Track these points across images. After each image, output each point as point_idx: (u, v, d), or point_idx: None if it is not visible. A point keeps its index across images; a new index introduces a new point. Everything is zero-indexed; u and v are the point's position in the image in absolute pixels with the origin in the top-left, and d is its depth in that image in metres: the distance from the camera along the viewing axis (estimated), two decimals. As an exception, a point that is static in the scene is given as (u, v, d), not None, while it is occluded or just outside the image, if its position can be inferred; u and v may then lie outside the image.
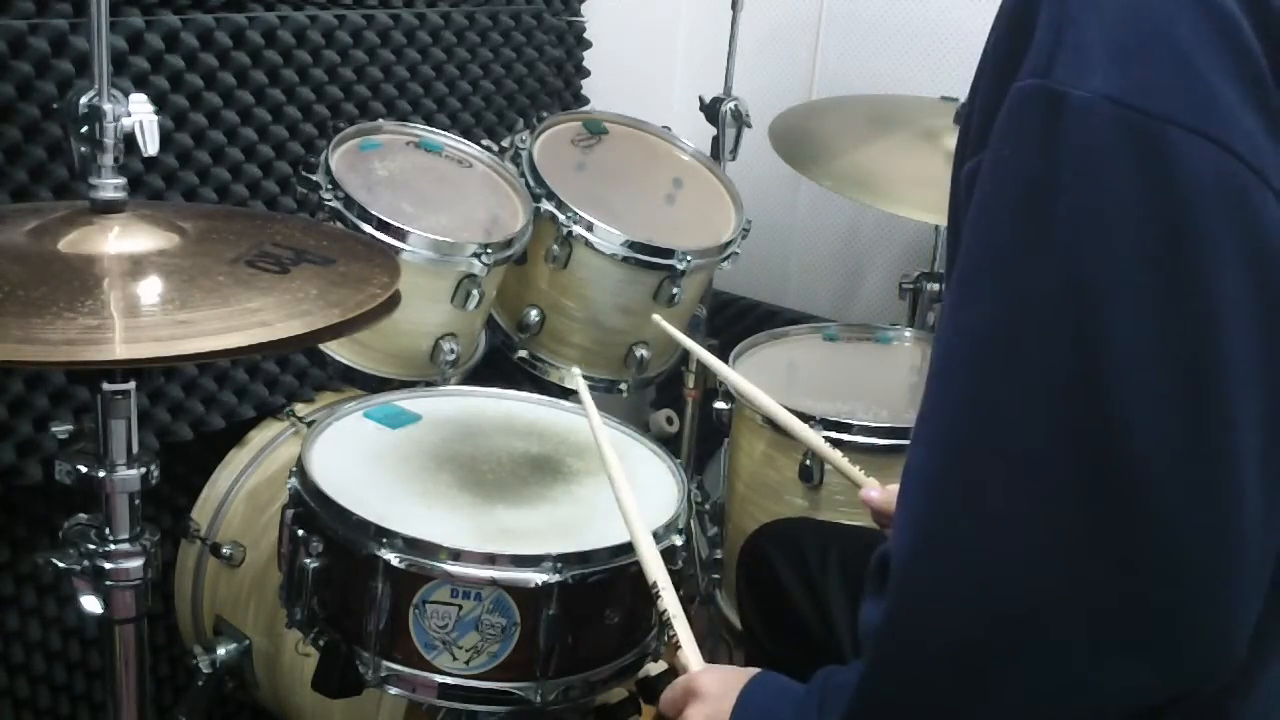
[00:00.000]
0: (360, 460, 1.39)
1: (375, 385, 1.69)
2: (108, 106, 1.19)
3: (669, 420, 2.31)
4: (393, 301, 1.19)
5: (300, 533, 1.28)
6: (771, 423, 1.65)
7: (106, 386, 1.19)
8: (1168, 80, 0.67)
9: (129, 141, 1.21)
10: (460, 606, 1.22)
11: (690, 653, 1.03)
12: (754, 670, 0.96)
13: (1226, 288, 0.67)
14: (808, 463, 1.64)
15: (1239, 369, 0.68)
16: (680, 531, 1.33)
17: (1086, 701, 0.73)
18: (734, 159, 2.17)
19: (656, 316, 1.71)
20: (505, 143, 1.92)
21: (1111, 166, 0.67)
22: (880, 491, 1.29)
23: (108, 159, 1.21)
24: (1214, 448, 0.68)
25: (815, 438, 1.50)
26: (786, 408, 1.53)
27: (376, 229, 1.59)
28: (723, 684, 0.96)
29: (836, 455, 1.44)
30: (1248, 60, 0.68)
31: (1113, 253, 0.68)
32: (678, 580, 1.33)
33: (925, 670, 0.76)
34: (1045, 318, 0.69)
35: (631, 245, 1.79)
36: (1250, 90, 0.68)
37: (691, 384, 2.16)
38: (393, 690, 1.26)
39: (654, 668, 1.42)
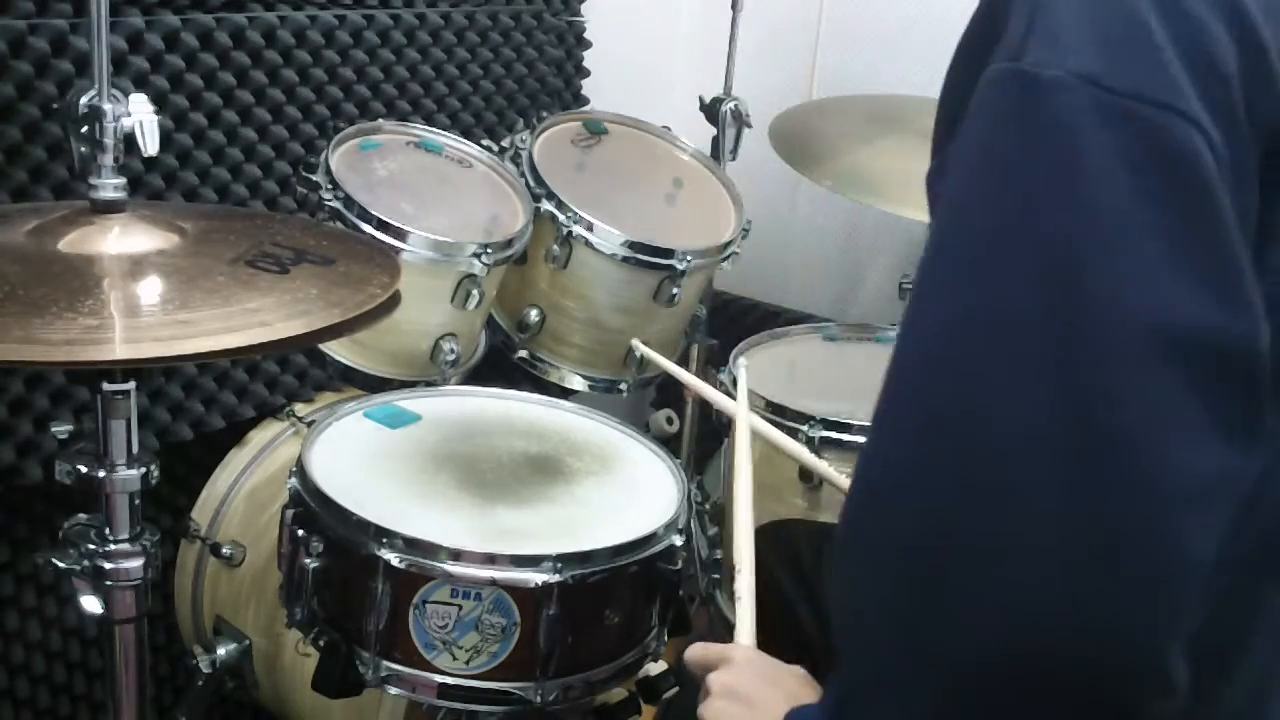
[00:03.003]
0: (360, 460, 1.39)
1: (375, 385, 1.69)
2: (108, 106, 1.19)
3: (669, 420, 2.31)
4: (393, 301, 1.19)
5: (300, 533, 1.28)
6: (773, 423, 1.65)
7: (106, 386, 1.19)
8: (1139, 63, 0.67)
9: (129, 141, 1.21)
10: (460, 606, 1.22)
11: (745, 636, 1.06)
12: (794, 673, 0.96)
13: None
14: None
15: None
16: (680, 531, 1.33)
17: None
18: (734, 159, 2.17)
19: (635, 341, 1.72)
20: (505, 143, 1.92)
21: (1086, 139, 0.67)
22: None
23: (108, 159, 1.21)
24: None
25: (809, 455, 1.51)
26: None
27: (376, 229, 1.59)
28: (758, 673, 0.96)
29: (839, 477, 1.45)
30: (1211, 59, 0.68)
31: (1094, 224, 0.67)
32: (679, 580, 1.34)
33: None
34: (1029, 299, 0.68)
35: (631, 245, 1.79)
36: (1208, 83, 0.68)
37: (692, 384, 2.15)
38: (393, 690, 1.26)
39: (654, 668, 1.42)
